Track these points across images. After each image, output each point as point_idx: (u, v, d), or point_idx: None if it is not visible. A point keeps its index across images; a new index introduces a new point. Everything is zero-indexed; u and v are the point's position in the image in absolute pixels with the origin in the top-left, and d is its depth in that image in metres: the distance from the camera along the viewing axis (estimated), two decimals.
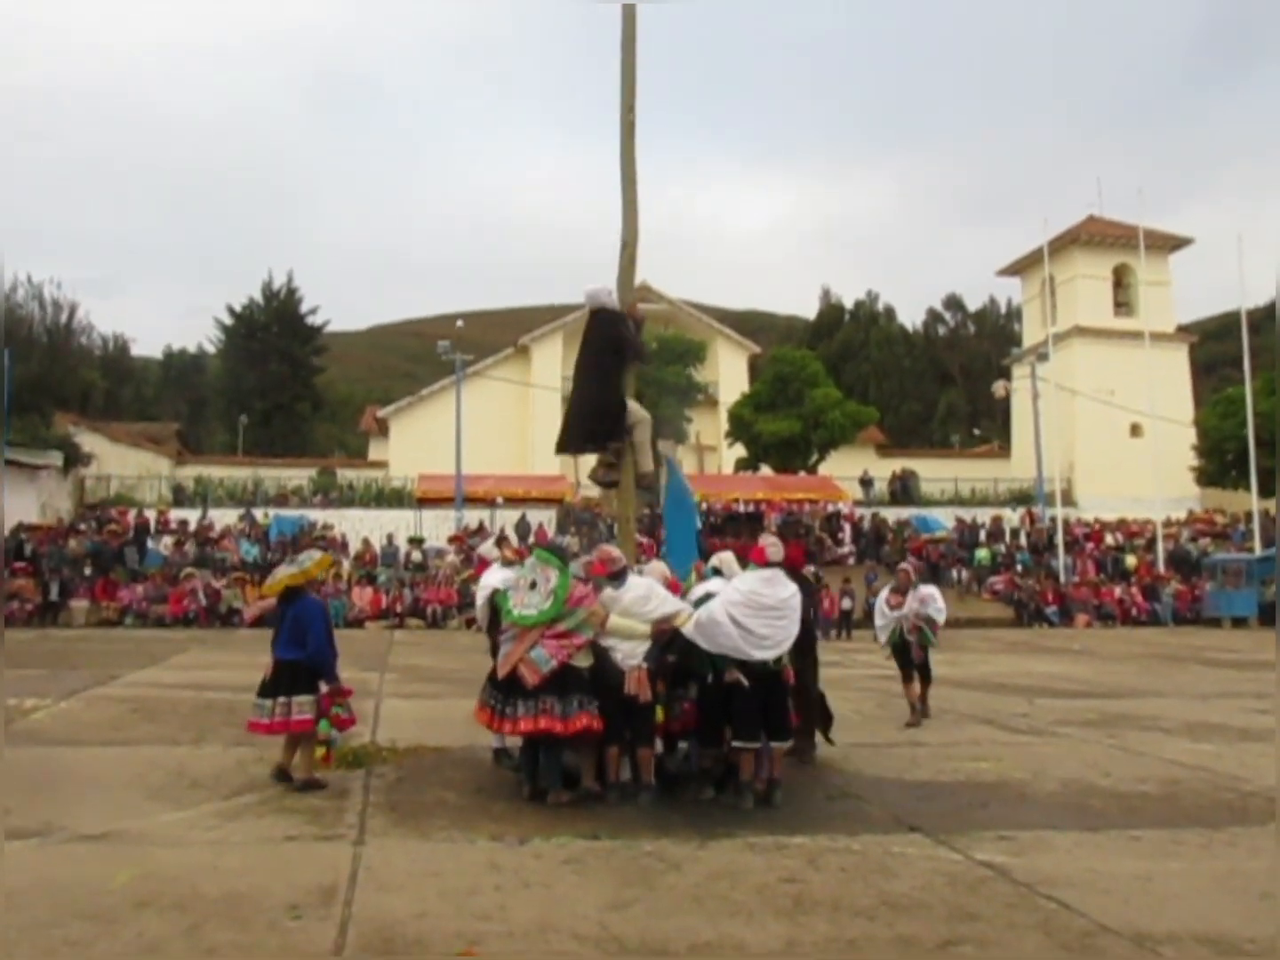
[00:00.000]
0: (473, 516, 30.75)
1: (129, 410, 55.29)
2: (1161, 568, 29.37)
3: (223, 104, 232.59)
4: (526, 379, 43.86)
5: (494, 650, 7.58)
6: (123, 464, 35.68)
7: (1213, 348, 51.80)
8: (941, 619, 11.02)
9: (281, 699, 7.27)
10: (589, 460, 36.04)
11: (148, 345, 74.47)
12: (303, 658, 7.33)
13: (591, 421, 8.49)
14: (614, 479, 8.64)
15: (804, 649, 7.95)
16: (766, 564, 7.17)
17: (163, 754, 8.51)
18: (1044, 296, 40.24)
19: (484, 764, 8.12)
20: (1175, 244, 40.81)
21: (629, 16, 8.72)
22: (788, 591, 7.12)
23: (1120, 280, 40.81)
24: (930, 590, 11.19)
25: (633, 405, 8.54)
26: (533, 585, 7.19)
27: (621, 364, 8.46)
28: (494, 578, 8.17)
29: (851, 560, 30.01)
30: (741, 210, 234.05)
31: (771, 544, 7.34)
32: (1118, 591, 27.84)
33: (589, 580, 7.41)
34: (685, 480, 8.27)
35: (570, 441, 8.66)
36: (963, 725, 10.74)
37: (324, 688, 7.35)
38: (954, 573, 28.92)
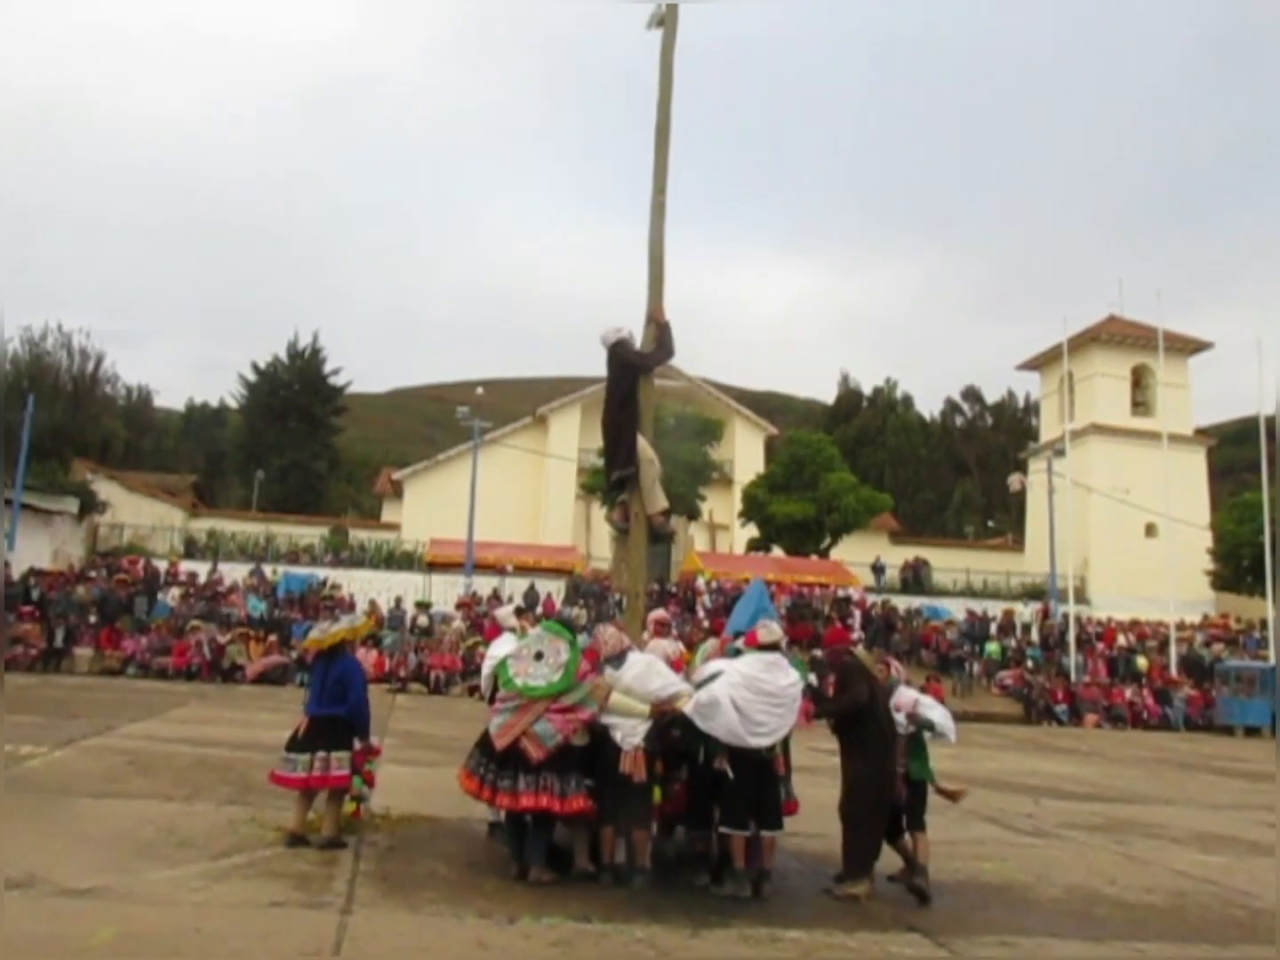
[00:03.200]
0: (482, 583, 30.67)
1: (148, 460, 55.62)
2: (1174, 671, 29.00)
3: (258, 164, 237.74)
4: (543, 449, 44.09)
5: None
6: (137, 513, 35.84)
7: (1230, 452, 51.74)
8: (948, 725, 7.66)
9: (320, 754, 7.37)
10: (600, 532, 35.94)
11: (170, 397, 75.50)
12: (342, 713, 7.49)
13: (609, 447, 8.55)
14: (626, 526, 8.54)
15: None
16: (760, 647, 7.09)
17: (154, 809, 8.41)
18: (1062, 393, 40.41)
19: (478, 837, 8.00)
20: (1195, 347, 41.08)
21: (664, 102, 8.91)
22: (788, 679, 7.00)
23: (1139, 380, 41.01)
24: (912, 695, 7.77)
25: (641, 443, 8.38)
26: (538, 656, 7.10)
27: (631, 385, 8.41)
28: (503, 648, 8.05)
29: (860, 647, 29.70)
30: (764, 292, 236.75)
31: (764, 627, 7.27)
32: (1129, 693, 27.45)
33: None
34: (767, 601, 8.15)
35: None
36: (966, 823, 10.52)
37: (358, 744, 7.54)
38: (965, 665, 28.54)
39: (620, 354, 8.47)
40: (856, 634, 29.26)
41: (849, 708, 7.20)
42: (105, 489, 35.08)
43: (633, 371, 8.46)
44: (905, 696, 7.57)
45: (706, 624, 28.52)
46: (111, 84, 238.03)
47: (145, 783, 9.67)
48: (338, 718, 7.50)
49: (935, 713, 7.55)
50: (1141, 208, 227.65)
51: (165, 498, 40.14)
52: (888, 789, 7.09)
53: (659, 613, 8.95)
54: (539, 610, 27.44)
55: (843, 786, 7.20)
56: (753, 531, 38.23)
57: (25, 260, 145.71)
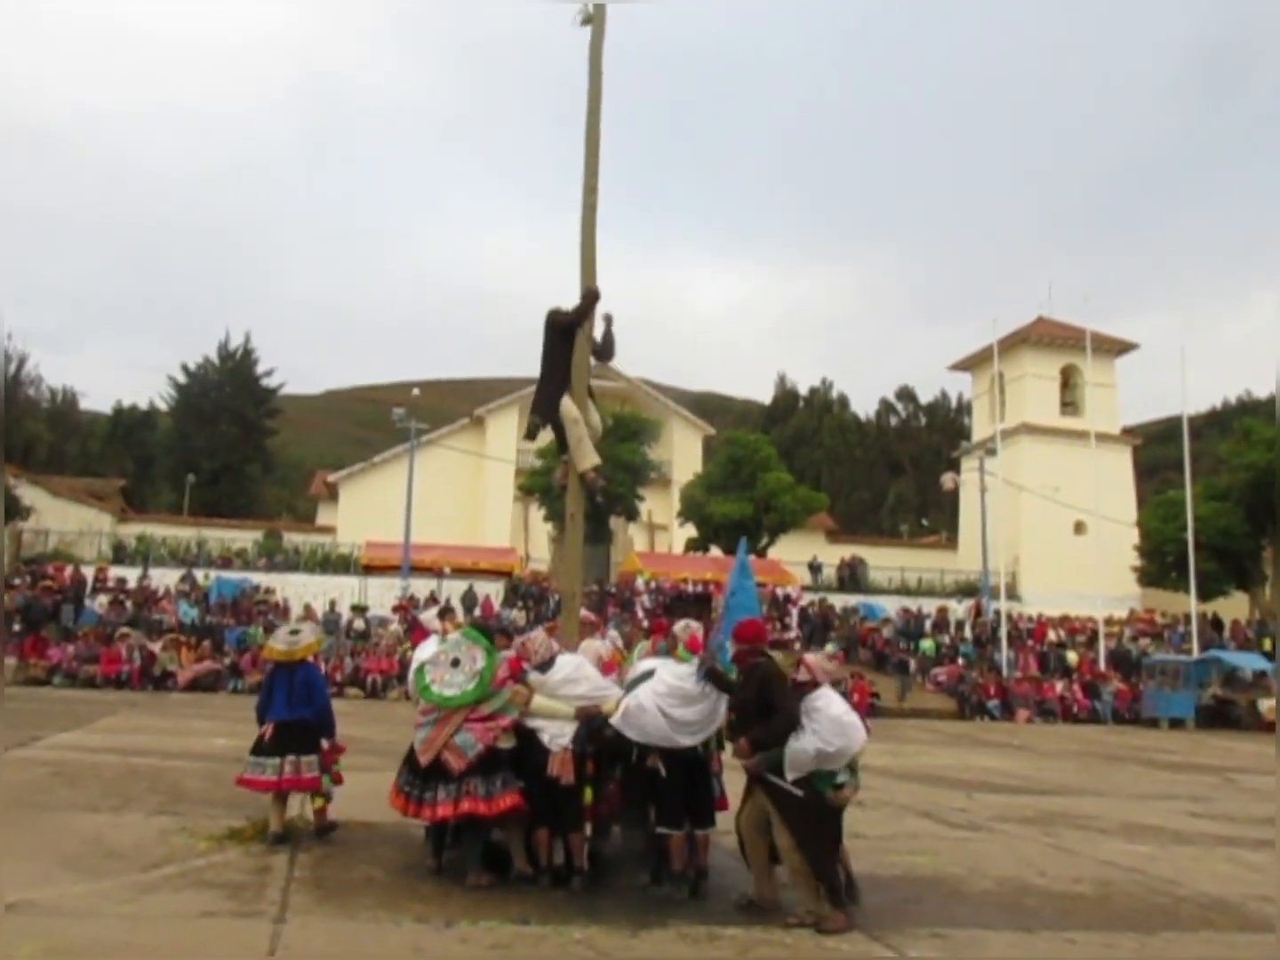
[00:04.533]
0: (419, 586, 30.41)
1: (74, 465, 54.36)
2: (1103, 665, 29.62)
3: (188, 161, 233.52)
4: (481, 450, 43.84)
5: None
6: (63, 519, 35.02)
7: (1155, 451, 53.07)
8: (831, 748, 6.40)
9: (290, 757, 7.72)
10: (539, 534, 35.82)
11: (97, 400, 73.67)
12: (310, 717, 7.92)
13: (537, 396, 8.51)
14: (565, 484, 8.50)
15: None
16: (698, 651, 7.10)
17: (81, 821, 8.22)
18: (993, 393, 41.11)
19: (415, 841, 7.92)
20: (1121, 348, 42.03)
21: (594, 102, 8.89)
22: None
23: (1067, 381, 41.88)
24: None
25: (565, 402, 8.31)
26: (455, 663, 7.02)
27: (551, 340, 8.41)
28: (427, 651, 8.01)
29: (798, 645, 29.95)
30: (702, 293, 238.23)
31: (685, 629, 7.31)
32: (1059, 687, 27.98)
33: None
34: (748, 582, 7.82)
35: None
36: (902, 818, 10.67)
37: (325, 745, 7.98)
38: (902, 663, 28.91)
39: (548, 318, 8.49)
40: (793, 632, 29.49)
41: (784, 733, 6.32)
42: (29, 494, 34.21)
43: (553, 327, 8.43)
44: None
45: (646, 624, 28.61)
46: (40, 79, 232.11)
47: (71, 794, 9.44)
48: (306, 721, 7.88)
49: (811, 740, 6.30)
50: (1071, 212, 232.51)
51: (92, 502, 39.26)
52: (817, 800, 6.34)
53: (584, 613, 8.89)
54: (477, 612, 27.28)
55: (774, 814, 6.38)
56: (691, 531, 38.38)
57: None
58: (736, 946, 5.74)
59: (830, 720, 6.31)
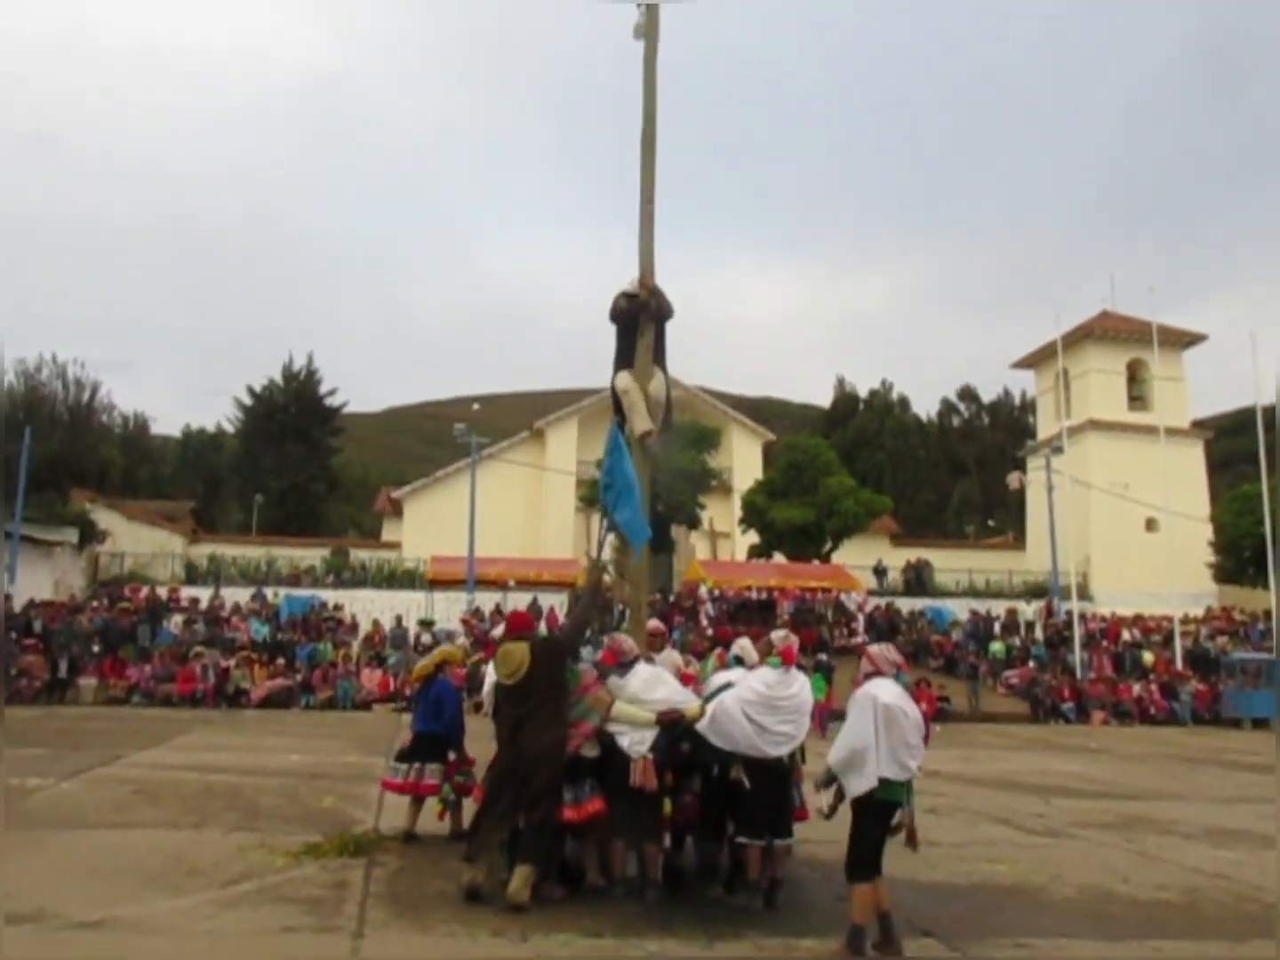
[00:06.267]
0: (485, 599, 30.63)
1: (146, 488, 55.58)
2: (1180, 665, 28.95)
3: (251, 189, 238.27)
4: (541, 463, 44.06)
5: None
6: (137, 541, 35.78)
7: (1228, 443, 51.71)
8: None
9: (418, 765, 8.60)
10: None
11: (167, 424, 75.32)
12: (439, 730, 8.64)
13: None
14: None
15: None
16: (789, 663, 7.04)
17: (162, 838, 8.38)
18: (1058, 390, 40.42)
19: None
20: (1189, 340, 41.08)
21: (649, 113, 8.93)
22: (798, 684, 6.98)
23: (1134, 375, 41.01)
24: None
25: (618, 377, 8.54)
26: None
27: (619, 331, 8.65)
28: None
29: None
30: (758, 299, 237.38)
31: (784, 638, 7.22)
32: (1135, 689, 27.39)
33: (598, 667, 7.32)
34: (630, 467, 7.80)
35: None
36: (977, 825, 10.50)
37: (451, 756, 8.67)
38: (972, 666, 28.44)
39: (611, 308, 8.70)
40: (860, 637, 29.20)
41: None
42: (104, 518, 35.05)
43: (616, 318, 8.65)
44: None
45: (710, 632, 28.53)
46: (103, 115, 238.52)
47: (153, 812, 9.64)
48: (435, 734, 8.65)
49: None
50: (1134, 203, 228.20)
51: (165, 525, 40.10)
52: None
53: (653, 623, 8.88)
54: (542, 624, 27.39)
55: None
56: (753, 538, 38.19)
57: (19, 292, 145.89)
58: (813, 958, 5.68)
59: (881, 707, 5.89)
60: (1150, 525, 37.13)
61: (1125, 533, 37.25)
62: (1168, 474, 31.90)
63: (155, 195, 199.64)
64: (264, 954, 5.46)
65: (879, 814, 5.84)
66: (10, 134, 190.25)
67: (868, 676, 6.27)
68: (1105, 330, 40.46)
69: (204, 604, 28.45)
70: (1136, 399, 40.80)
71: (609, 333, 8.84)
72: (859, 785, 5.82)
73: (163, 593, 28.86)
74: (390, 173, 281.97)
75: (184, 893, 6.65)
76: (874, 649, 6.40)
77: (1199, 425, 41.83)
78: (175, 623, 26.72)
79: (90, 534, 32.90)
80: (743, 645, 7.73)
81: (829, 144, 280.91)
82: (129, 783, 11.25)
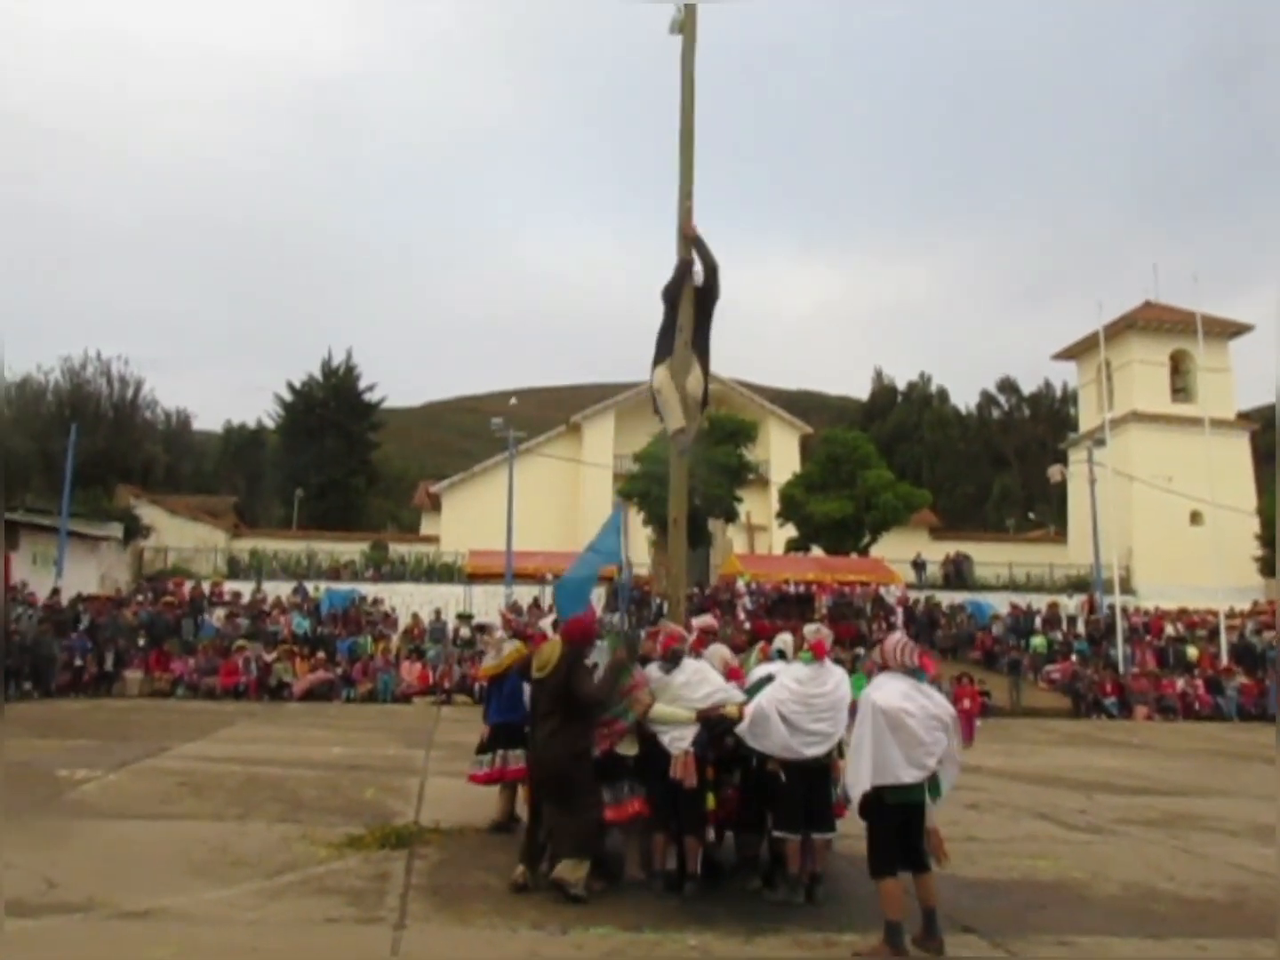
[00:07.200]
0: (523, 592, 30.75)
1: (189, 483, 56.37)
2: (1225, 660, 28.54)
3: (291, 187, 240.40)
4: (578, 456, 44.21)
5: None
6: (180, 536, 36.28)
7: (1275, 435, 50.85)
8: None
9: (500, 752, 8.79)
10: (638, 538, 35.64)
11: (208, 420, 76.18)
12: (516, 719, 8.64)
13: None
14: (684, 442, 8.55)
15: None
16: (820, 656, 7.01)
17: (208, 830, 8.49)
18: (1100, 381, 39.92)
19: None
20: (1234, 330, 40.42)
21: (687, 107, 8.91)
22: (833, 680, 6.91)
23: (1178, 366, 40.44)
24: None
25: (655, 373, 8.48)
26: (593, 667, 7.15)
27: (672, 322, 8.57)
28: None
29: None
30: (794, 292, 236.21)
31: (815, 632, 7.17)
32: (1180, 684, 27.04)
33: (644, 661, 7.31)
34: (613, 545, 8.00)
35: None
36: (1019, 820, 10.41)
37: None
38: (1013, 661, 28.16)
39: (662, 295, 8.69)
40: (899, 631, 28.92)
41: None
42: (148, 513, 35.57)
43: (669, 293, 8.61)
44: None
45: (748, 626, 28.48)
46: (142, 112, 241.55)
47: (198, 803, 9.77)
48: (513, 723, 8.70)
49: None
50: (1178, 191, 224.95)
51: (207, 520, 40.62)
52: None
53: (705, 619, 8.84)
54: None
55: None
56: (791, 532, 38.08)
57: (62, 292, 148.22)
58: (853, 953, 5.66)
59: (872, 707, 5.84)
60: (1195, 518, 36.64)
61: (1169, 526, 36.77)
62: (1212, 466, 31.43)
63: (195, 193, 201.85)
64: (307, 944, 5.52)
65: (892, 815, 5.77)
66: (51, 132, 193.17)
67: (878, 669, 6.21)
68: (1148, 320, 39.91)
69: (246, 598, 28.78)
70: (1180, 390, 40.24)
71: (646, 328, 8.84)
72: (854, 791, 5.86)
73: (205, 587, 29.22)
74: (429, 169, 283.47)
75: (229, 883, 6.75)
76: (889, 642, 6.14)
77: (1245, 417, 41.14)
78: (218, 616, 27.04)
79: (135, 529, 33.39)
80: (784, 640, 7.70)
81: (867, 134, 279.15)
82: (174, 774, 11.41)
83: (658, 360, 8.52)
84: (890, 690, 5.86)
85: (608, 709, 6.90)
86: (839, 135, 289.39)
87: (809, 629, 7.21)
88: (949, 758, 5.92)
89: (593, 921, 6.07)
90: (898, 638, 6.22)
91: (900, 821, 5.78)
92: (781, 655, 7.53)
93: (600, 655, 7.29)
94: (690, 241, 8.65)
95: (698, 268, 8.66)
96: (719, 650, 7.84)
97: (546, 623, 10.37)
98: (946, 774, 5.94)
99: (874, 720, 5.75)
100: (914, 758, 5.71)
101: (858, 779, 5.79)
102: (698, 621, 8.54)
